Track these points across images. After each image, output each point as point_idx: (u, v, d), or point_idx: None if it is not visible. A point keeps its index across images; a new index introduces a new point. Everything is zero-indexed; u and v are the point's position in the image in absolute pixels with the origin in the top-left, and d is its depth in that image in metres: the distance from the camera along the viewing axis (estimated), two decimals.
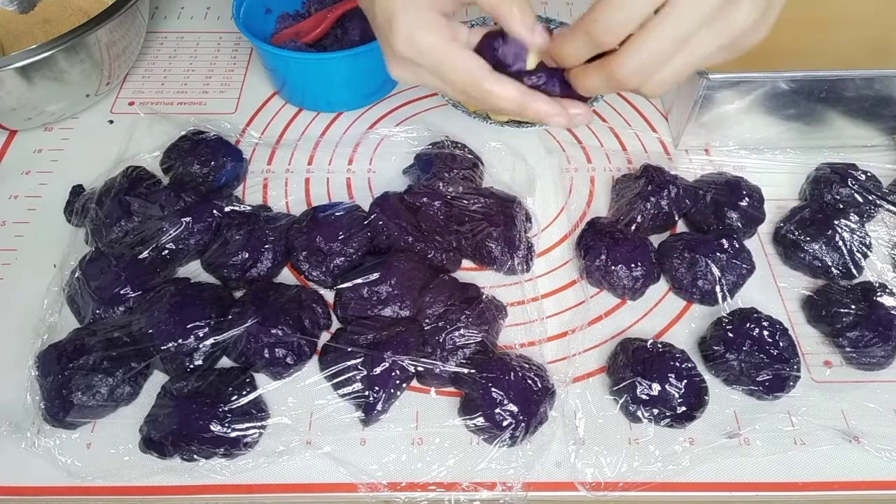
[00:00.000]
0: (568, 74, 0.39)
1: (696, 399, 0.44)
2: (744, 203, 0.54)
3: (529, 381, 0.44)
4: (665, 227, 0.55)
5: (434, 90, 0.40)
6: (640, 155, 0.61)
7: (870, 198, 0.55)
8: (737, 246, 0.51)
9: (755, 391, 0.45)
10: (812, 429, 0.45)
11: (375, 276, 0.48)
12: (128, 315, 0.48)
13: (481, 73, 0.37)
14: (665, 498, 0.43)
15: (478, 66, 0.37)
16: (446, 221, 0.53)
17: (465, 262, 0.54)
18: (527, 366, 0.45)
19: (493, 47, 0.39)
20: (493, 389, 0.43)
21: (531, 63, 0.40)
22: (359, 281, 0.48)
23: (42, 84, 0.57)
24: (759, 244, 0.55)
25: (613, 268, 0.50)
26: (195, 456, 0.42)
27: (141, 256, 0.50)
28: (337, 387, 0.45)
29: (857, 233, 0.52)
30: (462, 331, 0.46)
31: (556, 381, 0.46)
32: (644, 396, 0.44)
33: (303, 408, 0.46)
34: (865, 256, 0.52)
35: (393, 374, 0.45)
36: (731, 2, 0.33)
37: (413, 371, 0.46)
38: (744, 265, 0.50)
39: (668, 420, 0.44)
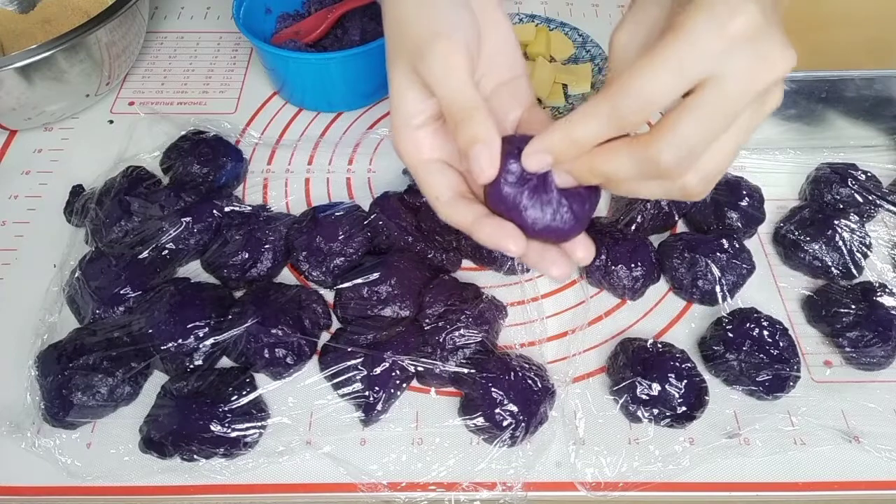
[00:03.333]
0: (574, 162, 0.33)
1: (696, 399, 0.44)
2: (744, 203, 0.54)
3: (529, 381, 0.44)
4: (665, 227, 0.55)
5: None
6: None
7: (870, 198, 0.55)
8: (737, 246, 0.51)
9: (755, 391, 0.45)
10: (812, 429, 0.45)
11: (375, 276, 0.48)
12: (128, 315, 0.48)
13: (438, 201, 0.36)
14: (665, 498, 0.43)
15: (435, 194, 0.36)
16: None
17: (465, 262, 0.54)
18: (527, 366, 0.45)
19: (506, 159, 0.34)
20: (493, 389, 0.43)
21: None
22: (359, 281, 0.48)
23: (42, 84, 0.57)
24: (759, 244, 0.55)
25: (613, 268, 0.50)
26: (195, 456, 0.42)
27: (141, 256, 0.50)
28: (337, 387, 0.45)
29: (857, 233, 0.52)
30: (462, 331, 0.46)
31: (556, 381, 0.46)
32: (644, 396, 0.44)
33: (303, 408, 0.46)
34: (865, 256, 0.52)
35: (393, 374, 0.45)
36: (776, 83, 0.30)
37: (413, 371, 0.46)
38: (744, 265, 0.50)
39: (668, 420, 0.44)
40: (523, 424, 0.43)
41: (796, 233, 0.53)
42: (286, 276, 0.53)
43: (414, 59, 0.34)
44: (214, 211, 0.53)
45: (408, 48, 0.35)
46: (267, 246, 0.51)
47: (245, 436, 0.43)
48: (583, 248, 0.36)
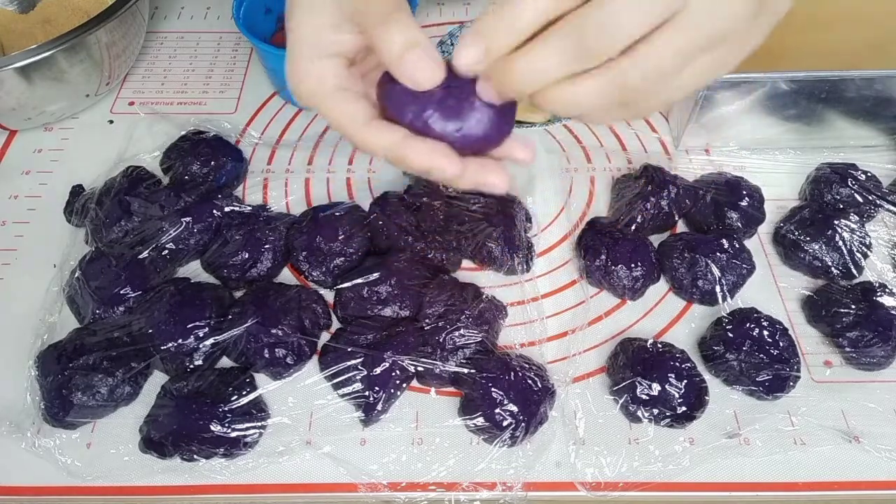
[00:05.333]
0: (544, 94, 0.30)
1: (696, 399, 0.44)
2: (744, 203, 0.54)
3: (529, 381, 0.44)
4: (665, 227, 0.55)
5: None
6: (640, 155, 0.61)
7: (870, 198, 0.55)
8: (737, 246, 0.51)
9: (755, 391, 0.45)
10: (812, 429, 0.45)
11: (375, 276, 0.48)
12: (128, 315, 0.48)
13: (352, 125, 0.33)
14: (665, 498, 0.43)
15: (349, 118, 0.33)
16: (446, 221, 0.53)
17: (465, 262, 0.54)
18: (527, 366, 0.45)
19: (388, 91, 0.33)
20: (493, 389, 0.43)
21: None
22: (359, 281, 0.48)
23: (42, 84, 0.57)
24: (759, 244, 0.55)
25: (613, 268, 0.50)
26: (195, 456, 0.42)
27: (141, 256, 0.50)
28: (337, 387, 0.45)
29: (857, 233, 0.52)
30: (462, 331, 0.46)
31: (556, 381, 0.46)
32: (644, 396, 0.44)
33: (303, 408, 0.46)
34: (865, 256, 0.52)
35: (393, 374, 0.45)
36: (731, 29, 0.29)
37: (413, 371, 0.46)
38: (744, 265, 0.50)
39: (668, 420, 0.44)
40: (523, 424, 0.43)
41: (796, 233, 0.53)
42: (286, 276, 0.53)
43: None
44: (214, 211, 0.53)
45: None
46: (267, 246, 0.51)
47: (245, 436, 0.43)
48: (521, 148, 0.34)
